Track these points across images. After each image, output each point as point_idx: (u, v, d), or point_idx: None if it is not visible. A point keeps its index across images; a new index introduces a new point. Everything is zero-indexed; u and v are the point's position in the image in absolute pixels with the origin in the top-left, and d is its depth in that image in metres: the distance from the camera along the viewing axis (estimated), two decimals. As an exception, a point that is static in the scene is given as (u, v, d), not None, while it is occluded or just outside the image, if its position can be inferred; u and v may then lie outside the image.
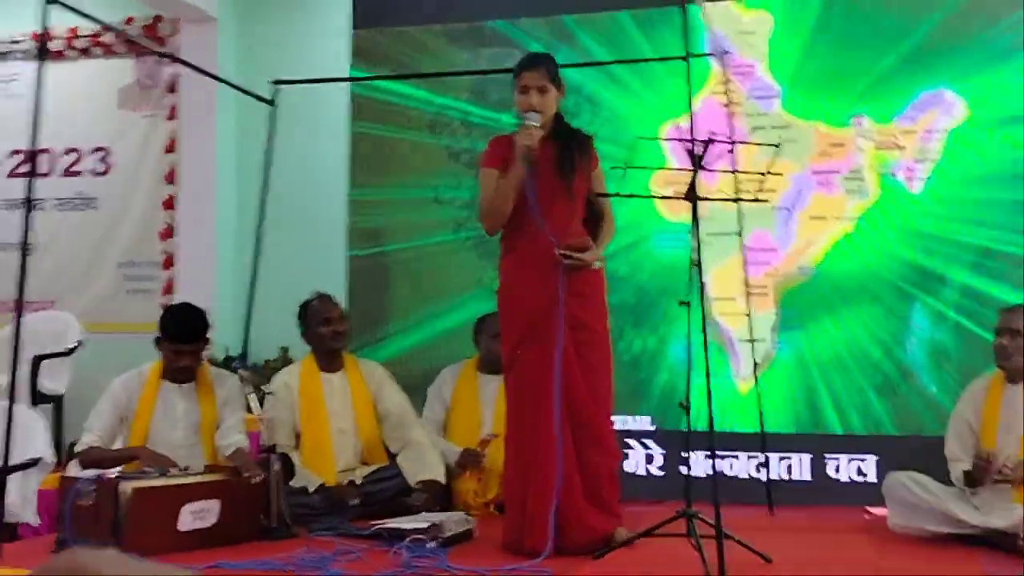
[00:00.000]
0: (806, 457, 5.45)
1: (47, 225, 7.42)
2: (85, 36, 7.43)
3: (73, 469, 4.39)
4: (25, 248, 4.00)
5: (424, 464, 4.79)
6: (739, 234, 5.22)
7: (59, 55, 7.45)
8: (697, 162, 3.64)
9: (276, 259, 6.29)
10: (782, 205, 5.67)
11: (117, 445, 4.52)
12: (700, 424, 4.04)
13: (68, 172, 7.51)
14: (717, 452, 4.80)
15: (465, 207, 6.16)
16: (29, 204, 4.08)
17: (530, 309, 3.96)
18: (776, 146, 3.80)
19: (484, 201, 4.06)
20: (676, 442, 5.45)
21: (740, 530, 3.71)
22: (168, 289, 7.18)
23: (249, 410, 4.51)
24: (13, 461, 3.98)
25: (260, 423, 4.41)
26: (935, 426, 5.13)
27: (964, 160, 5.49)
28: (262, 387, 4.58)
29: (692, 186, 3.66)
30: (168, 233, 7.23)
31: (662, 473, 5.57)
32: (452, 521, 4.10)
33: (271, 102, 5.59)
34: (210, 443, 4.49)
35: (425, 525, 3.96)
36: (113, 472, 4.02)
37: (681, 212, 5.53)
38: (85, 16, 4.62)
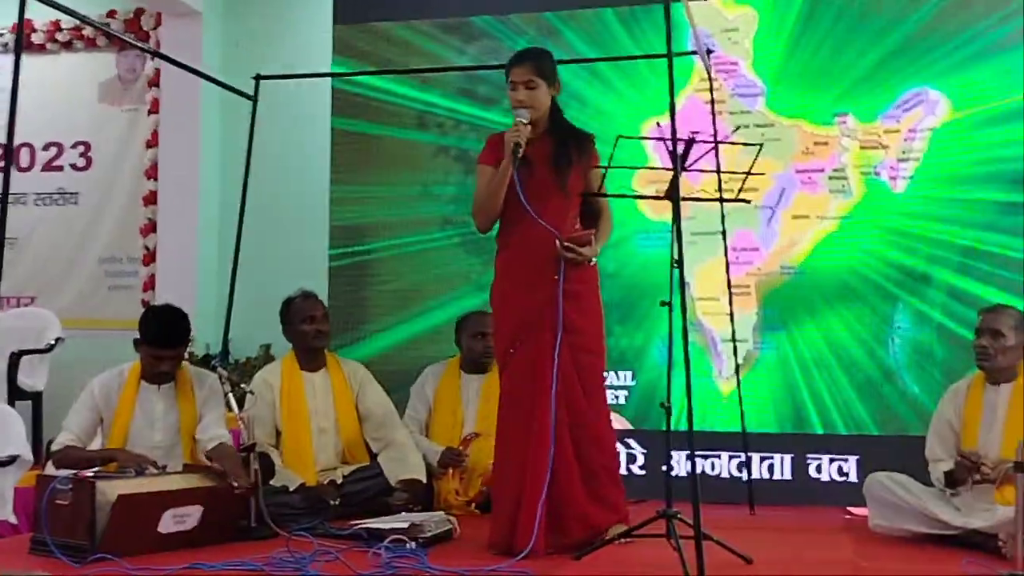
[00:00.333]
0: (788, 457, 5.45)
1: (27, 220, 7.37)
2: (67, 29, 7.38)
3: (50, 469, 4.35)
4: (1, 243, 3.95)
5: (405, 464, 4.77)
6: (722, 234, 5.20)
7: (40, 48, 7.41)
8: (679, 162, 3.63)
9: (257, 256, 6.26)
10: (765, 204, 5.66)
11: (95, 445, 4.47)
12: (683, 424, 4.03)
13: (48, 167, 7.46)
14: (698, 452, 4.80)
15: (452, 202, 6.15)
16: (5, 199, 4.04)
17: (524, 307, 3.95)
18: (759, 146, 3.78)
19: (476, 198, 4.06)
20: (658, 442, 5.44)
21: (721, 530, 3.70)
22: (149, 285, 7.14)
23: (229, 408, 4.47)
24: (-10, 458, 3.94)
25: (239, 422, 4.38)
26: (917, 427, 5.13)
27: (948, 160, 5.49)
28: (241, 385, 4.55)
29: (673, 185, 3.64)
30: (149, 229, 7.19)
31: (643, 472, 5.56)
32: (432, 521, 4.07)
33: (253, 97, 5.56)
34: (189, 444, 4.45)
35: (405, 525, 3.94)
36: (90, 472, 3.98)
37: (664, 211, 5.52)
38: (66, 10, 4.57)
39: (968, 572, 3.62)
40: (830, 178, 5.63)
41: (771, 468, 5.45)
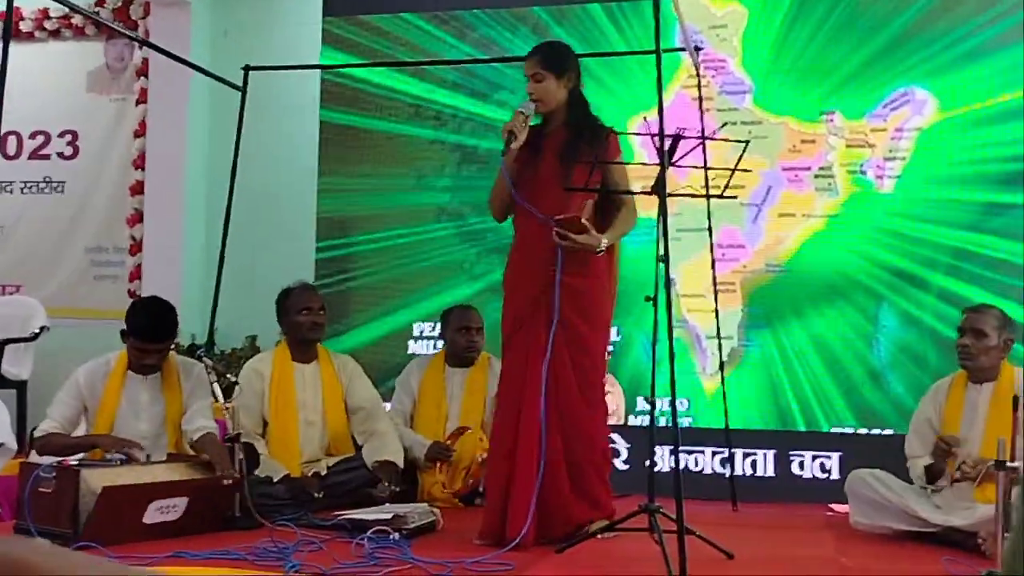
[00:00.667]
0: (771, 454, 5.47)
1: (13, 208, 7.35)
2: (55, 18, 7.36)
3: (34, 457, 4.34)
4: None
5: (383, 448, 4.78)
6: (708, 230, 5.22)
7: (29, 36, 7.37)
8: (666, 157, 3.64)
9: (244, 247, 6.26)
10: (751, 202, 5.68)
11: (79, 433, 4.46)
12: (667, 419, 4.05)
13: (35, 155, 7.43)
14: (682, 447, 4.81)
15: (442, 193, 6.17)
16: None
17: (520, 297, 4.00)
18: (746, 143, 3.79)
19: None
20: (641, 437, 5.45)
21: (703, 525, 3.72)
22: (135, 275, 7.12)
23: (215, 398, 4.47)
24: (-26, 447, 3.93)
25: (224, 412, 4.38)
26: (901, 425, 5.16)
27: (934, 160, 5.52)
28: (227, 375, 4.54)
29: (660, 181, 3.65)
30: (136, 219, 7.17)
31: (627, 467, 5.57)
32: (416, 512, 4.08)
33: (242, 88, 5.55)
34: (175, 434, 4.45)
35: (388, 516, 3.95)
36: (74, 459, 3.98)
37: (650, 207, 5.51)
38: (54, -3, 4.55)
39: (948, 570, 3.65)
40: (816, 176, 5.65)
41: (754, 464, 5.48)
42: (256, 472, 4.49)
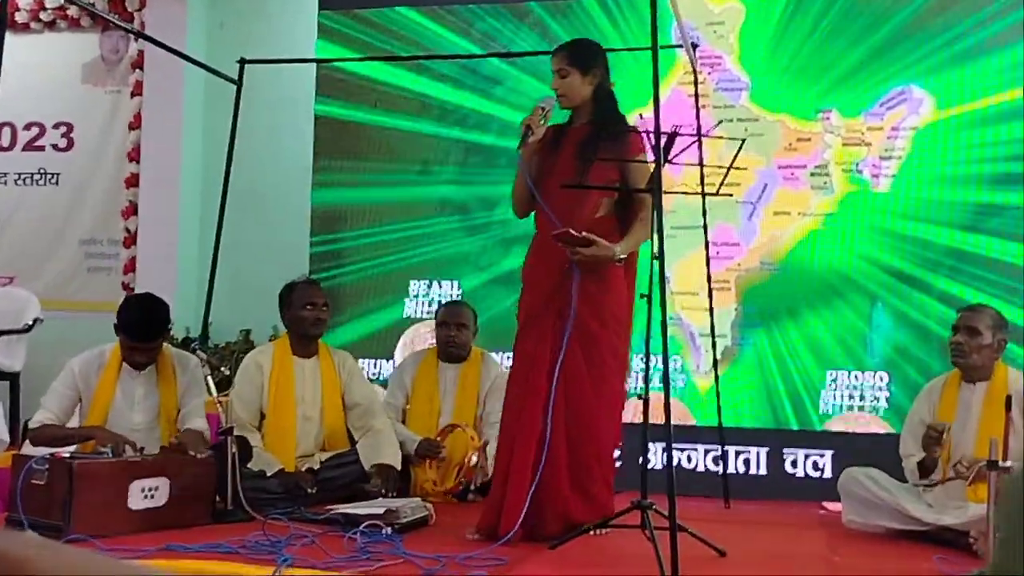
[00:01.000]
0: (763, 452, 5.47)
1: (7, 200, 7.33)
2: (50, 9, 7.34)
3: (27, 448, 4.33)
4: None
5: (379, 450, 4.77)
6: (704, 228, 5.21)
7: (24, 27, 7.35)
8: (661, 155, 3.63)
9: (239, 241, 6.25)
10: (746, 200, 5.68)
11: (73, 425, 4.46)
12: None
13: (30, 146, 7.41)
14: (675, 445, 4.81)
15: (437, 187, 6.16)
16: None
17: (535, 291, 4.01)
18: (742, 140, 3.79)
19: None
20: (634, 433, 5.44)
21: (695, 522, 3.72)
22: (129, 268, 7.11)
23: (208, 392, 4.46)
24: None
25: (218, 405, 4.38)
26: (895, 424, 5.17)
27: (930, 159, 5.52)
28: (221, 368, 4.54)
29: (655, 178, 3.64)
30: (130, 212, 7.16)
31: (619, 464, 5.55)
32: (408, 507, 4.08)
33: (237, 81, 5.53)
34: (168, 428, 4.44)
35: (381, 511, 3.95)
36: (67, 451, 3.97)
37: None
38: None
39: (939, 569, 3.65)
40: (812, 174, 5.65)
41: (747, 462, 5.48)
42: (249, 465, 4.48)
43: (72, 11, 7.27)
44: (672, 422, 3.64)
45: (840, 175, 5.62)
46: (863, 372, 5.48)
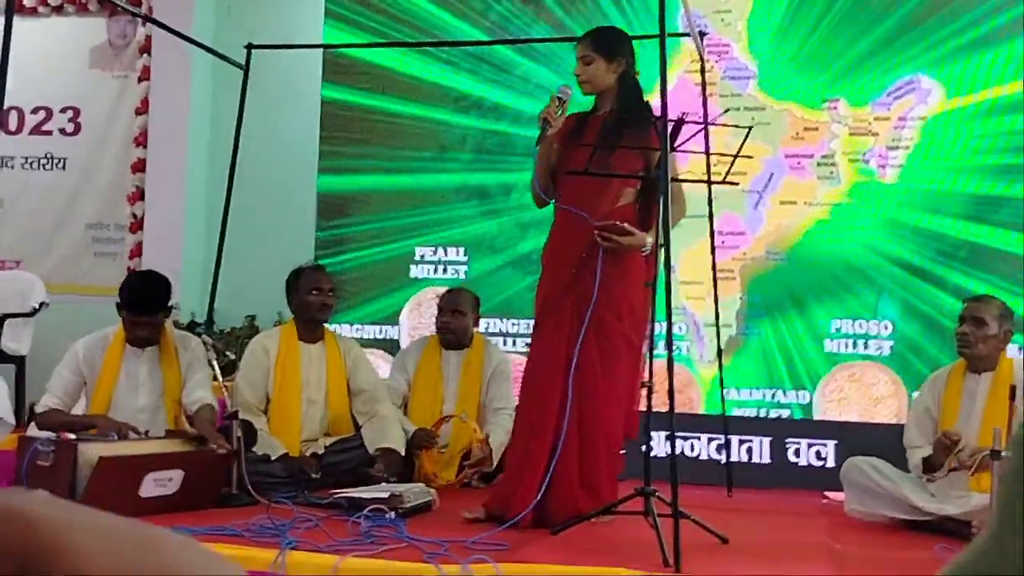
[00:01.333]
0: (766, 441, 5.47)
1: (14, 184, 7.34)
2: (58, -8, 7.35)
3: (32, 430, 4.35)
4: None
5: (385, 434, 4.79)
6: (709, 217, 5.20)
7: (31, 11, 7.35)
8: (667, 142, 3.63)
9: (245, 226, 6.25)
10: (752, 189, 5.67)
11: (79, 408, 4.49)
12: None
13: (37, 131, 7.42)
14: (678, 433, 4.82)
15: (443, 174, 6.16)
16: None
17: (553, 279, 4.01)
18: (748, 128, 3.79)
19: None
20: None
21: (698, 510, 3.72)
22: (135, 253, 7.12)
23: (215, 377, 4.49)
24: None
25: (223, 390, 4.39)
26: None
27: (938, 150, 5.51)
28: (226, 353, 4.56)
29: (662, 166, 3.64)
30: (137, 196, 7.17)
31: (623, 452, 5.56)
32: (412, 492, 4.09)
33: (244, 66, 5.53)
34: (173, 408, 4.47)
35: (385, 495, 3.96)
36: (71, 434, 3.99)
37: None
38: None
39: (941, 558, 3.66)
40: (819, 164, 5.65)
41: (750, 451, 5.48)
42: (254, 449, 4.50)
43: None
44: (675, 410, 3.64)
45: (847, 165, 5.61)
46: (867, 320, 5.49)
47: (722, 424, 5.21)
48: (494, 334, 5.95)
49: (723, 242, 5.55)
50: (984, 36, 5.44)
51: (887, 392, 5.49)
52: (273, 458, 4.57)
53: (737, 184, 4.86)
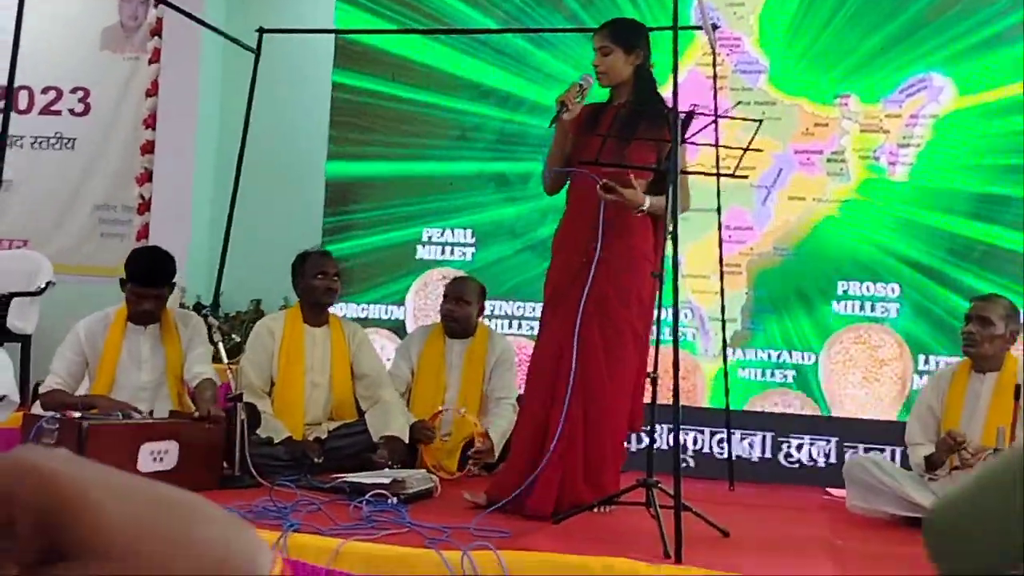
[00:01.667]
0: (769, 436, 5.47)
1: (23, 163, 7.34)
2: (70, -27, 7.34)
3: (37, 409, 4.37)
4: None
5: (389, 421, 4.80)
6: (717, 211, 5.19)
7: (43, -9, 7.35)
8: (678, 134, 3.63)
9: (252, 210, 6.26)
10: (761, 184, 5.66)
11: (83, 387, 4.51)
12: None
13: (47, 110, 7.42)
14: (681, 426, 4.83)
15: (452, 161, 6.16)
16: (3, 140, 4.03)
17: (559, 272, 4.01)
18: (759, 121, 3.78)
19: None
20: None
21: (699, 503, 3.72)
22: (142, 235, 7.13)
23: (218, 360, 4.50)
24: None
25: (228, 372, 4.40)
26: (902, 412, 5.17)
27: (949, 148, 5.49)
28: (232, 335, 4.57)
29: (671, 157, 3.64)
30: (145, 178, 7.17)
31: (626, 444, 5.57)
32: (414, 478, 4.10)
33: (255, 50, 5.53)
34: (175, 384, 4.50)
35: (387, 481, 3.97)
36: (76, 413, 4.00)
37: (661, 184, 5.52)
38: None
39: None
40: (828, 160, 5.63)
41: (752, 446, 5.48)
42: (257, 432, 4.52)
43: (92, -24, 7.28)
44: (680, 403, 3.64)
45: (857, 162, 5.60)
46: (875, 283, 5.49)
47: (725, 418, 5.21)
48: (501, 317, 5.95)
49: (730, 236, 5.55)
50: (998, 34, 5.41)
51: (892, 355, 5.48)
52: (276, 441, 4.58)
53: (746, 177, 4.85)
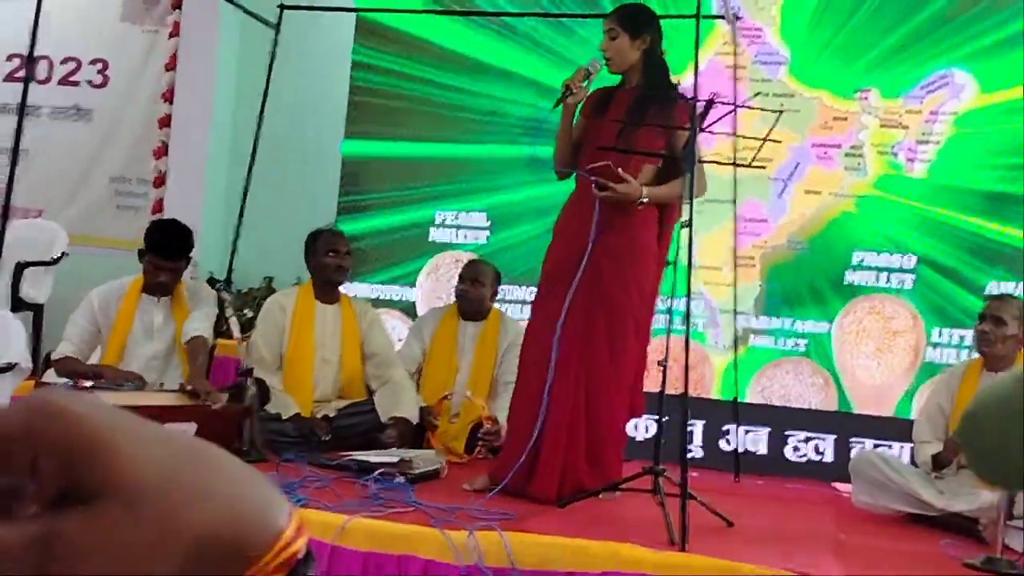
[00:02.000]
0: (776, 429, 5.46)
1: (41, 133, 7.35)
2: (92, -56, 7.34)
3: (50, 376, 4.40)
4: (16, 154, 3.97)
5: (398, 401, 4.81)
6: (733, 201, 5.17)
7: (66, -38, 7.35)
8: (696, 123, 3.62)
9: (267, 188, 6.25)
10: (777, 176, 5.64)
11: (96, 356, 4.54)
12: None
13: (65, 81, 7.42)
14: (689, 417, 4.82)
15: (466, 145, 6.16)
16: (22, 110, 4.04)
17: (557, 256, 4.02)
18: (779, 112, 3.77)
19: None
20: (651, 401, 5.45)
21: (705, 494, 3.72)
22: (157, 208, 7.13)
23: (230, 336, 4.52)
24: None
25: (239, 346, 4.42)
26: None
27: (968, 146, 5.45)
28: (244, 310, 4.59)
29: (689, 146, 3.63)
30: (162, 152, 7.17)
31: (634, 431, 5.57)
32: (422, 458, 4.12)
33: (275, 26, 5.52)
34: (185, 355, 4.53)
35: (395, 460, 3.98)
36: (88, 382, 4.03)
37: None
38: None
39: (945, 553, 3.66)
40: (846, 155, 5.60)
41: (759, 439, 5.47)
42: (266, 407, 4.53)
43: (114, -53, 7.27)
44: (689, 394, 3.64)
45: (875, 157, 5.57)
46: (891, 253, 5.48)
47: (733, 410, 5.20)
48: (513, 302, 5.95)
49: (744, 228, 5.52)
50: (1021, 32, 5.35)
51: (905, 326, 5.47)
52: (284, 417, 4.60)
53: (763, 167, 4.83)
